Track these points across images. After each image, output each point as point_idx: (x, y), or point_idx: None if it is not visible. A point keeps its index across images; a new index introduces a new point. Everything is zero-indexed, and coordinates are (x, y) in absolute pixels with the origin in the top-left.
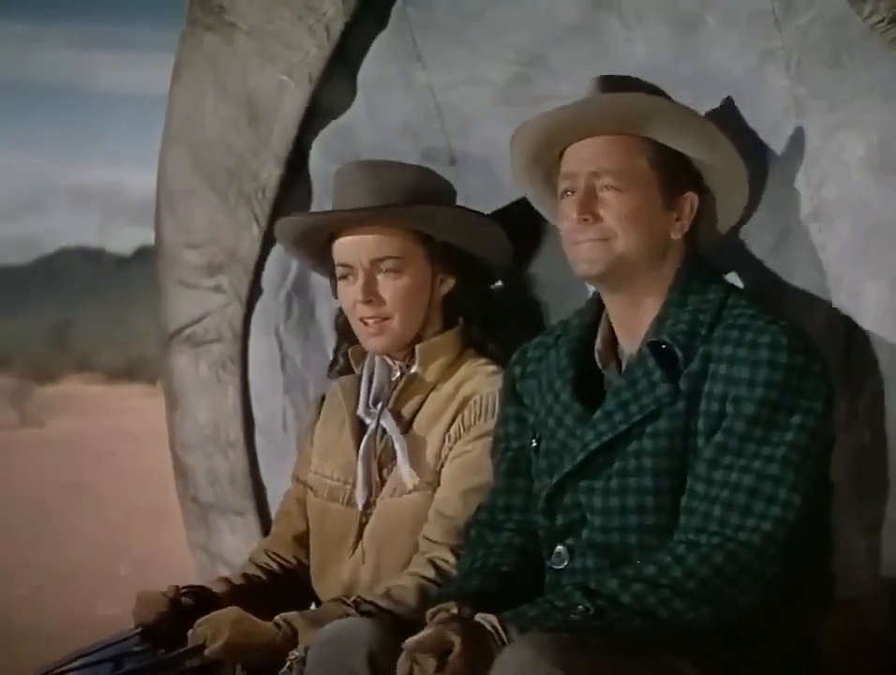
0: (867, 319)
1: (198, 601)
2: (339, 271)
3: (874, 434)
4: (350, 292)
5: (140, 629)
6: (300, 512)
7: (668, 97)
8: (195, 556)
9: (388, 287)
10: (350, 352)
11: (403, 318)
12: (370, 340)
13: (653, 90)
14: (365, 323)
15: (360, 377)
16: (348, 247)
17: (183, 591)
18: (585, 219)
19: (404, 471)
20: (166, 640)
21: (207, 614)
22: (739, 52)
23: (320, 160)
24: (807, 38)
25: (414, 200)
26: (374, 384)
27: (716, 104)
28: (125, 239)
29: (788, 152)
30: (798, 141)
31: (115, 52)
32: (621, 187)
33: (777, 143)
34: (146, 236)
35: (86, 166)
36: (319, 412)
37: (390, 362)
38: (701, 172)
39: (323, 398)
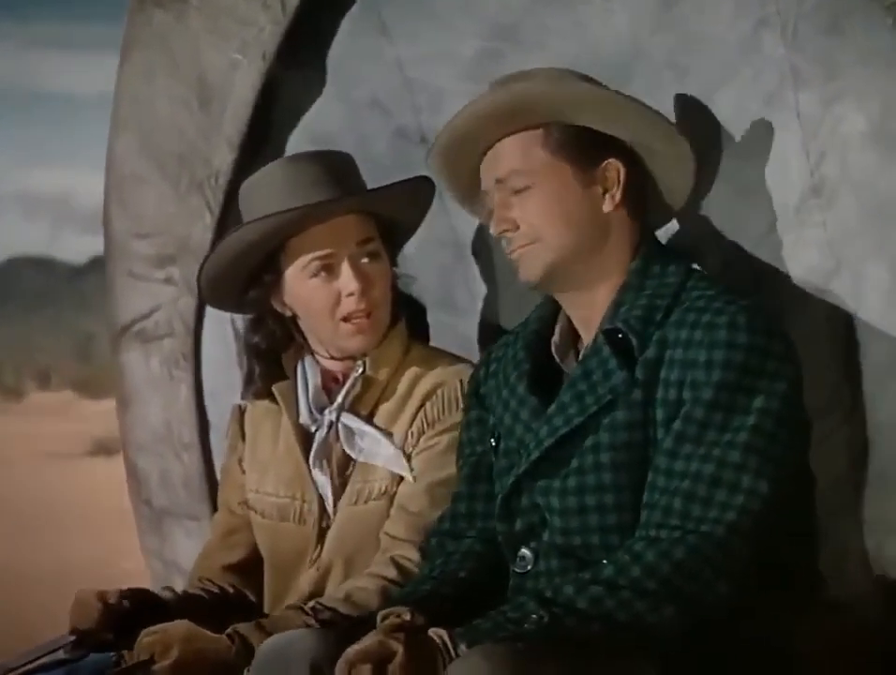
0: (869, 303)
1: (139, 605)
2: (315, 267)
3: (875, 428)
4: (332, 288)
5: (73, 636)
6: (231, 544)
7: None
8: (148, 563)
9: (374, 272)
10: (283, 359)
11: (386, 309)
12: (354, 339)
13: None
14: (351, 321)
15: (295, 384)
16: (327, 235)
17: (124, 593)
18: (506, 230)
19: (397, 466)
20: (101, 648)
21: (149, 619)
22: (732, 20)
23: (293, 140)
24: (804, 4)
25: (360, 183)
26: (311, 390)
27: (705, 76)
28: (78, 247)
29: (786, 124)
30: (796, 112)
31: (67, 53)
32: (528, 184)
33: (773, 116)
34: (98, 245)
35: (36, 171)
36: (241, 427)
37: (331, 366)
38: (625, 140)
39: (240, 409)
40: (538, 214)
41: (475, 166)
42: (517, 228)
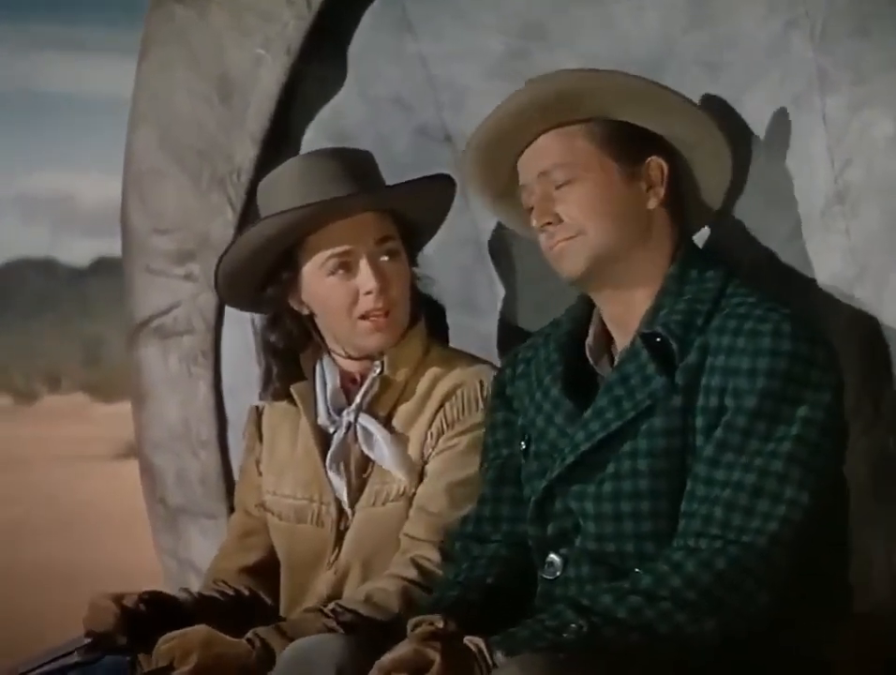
0: (891, 312)
1: (155, 607)
2: (332, 264)
3: None
4: (350, 286)
5: (89, 639)
6: (247, 546)
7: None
8: (163, 562)
9: (392, 271)
10: (301, 359)
11: (405, 308)
12: (372, 337)
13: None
14: (369, 318)
15: (313, 385)
16: (345, 232)
17: (142, 597)
18: (549, 223)
19: (401, 470)
20: (117, 651)
21: (164, 621)
22: (763, 19)
23: (312, 137)
24: (833, 5)
25: (379, 181)
26: (329, 391)
27: (735, 76)
28: (79, 250)
29: (811, 128)
30: (822, 116)
31: (68, 54)
32: (571, 177)
33: (800, 119)
34: (100, 247)
35: (36, 173)
36: (259, 428)
37: (349, 366)
38: (665, 136)
39: (258, 411)
40: (582, 207)
41: (511, 165)
42: (560, 221)
